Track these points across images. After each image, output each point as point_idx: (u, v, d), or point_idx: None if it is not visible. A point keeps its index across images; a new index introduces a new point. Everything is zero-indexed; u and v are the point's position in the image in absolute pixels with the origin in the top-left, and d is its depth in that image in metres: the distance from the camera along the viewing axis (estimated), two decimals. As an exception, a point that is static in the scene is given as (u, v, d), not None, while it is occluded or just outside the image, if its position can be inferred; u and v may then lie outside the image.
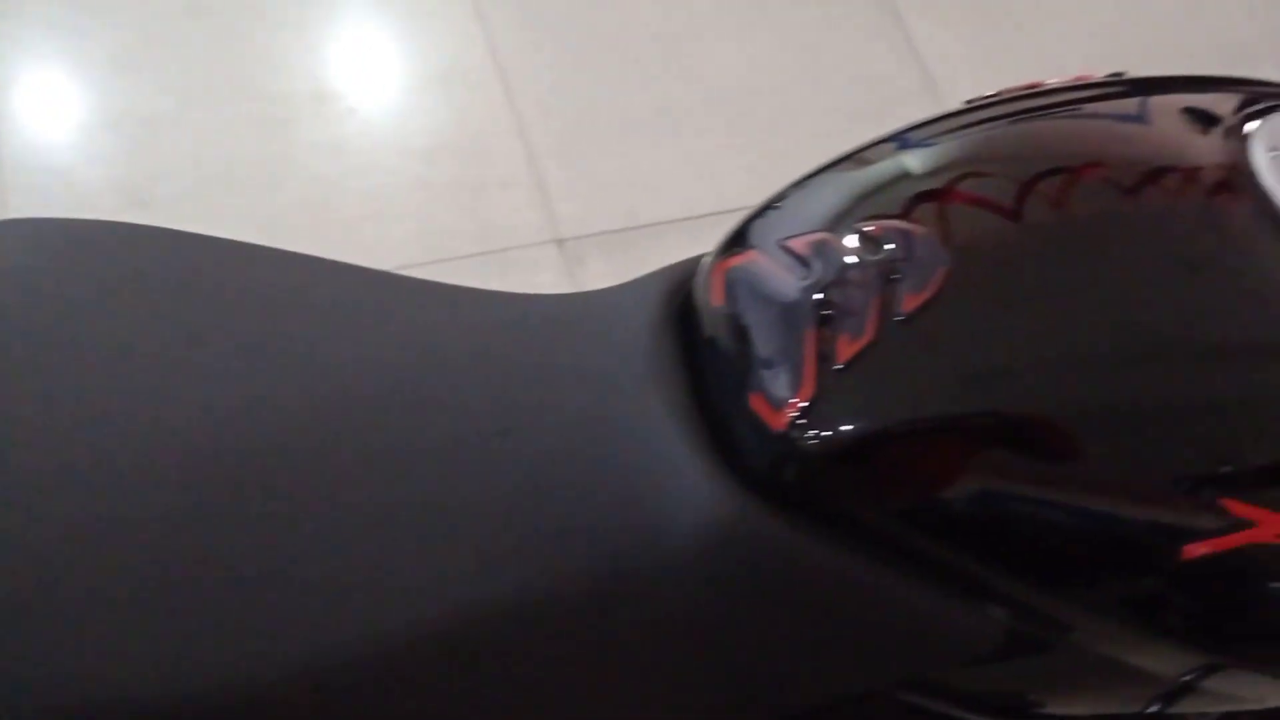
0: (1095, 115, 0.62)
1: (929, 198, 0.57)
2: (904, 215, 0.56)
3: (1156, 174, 0.57)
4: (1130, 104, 0.62)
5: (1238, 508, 0.51)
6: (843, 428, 0.53)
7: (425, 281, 0.64)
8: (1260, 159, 0.56)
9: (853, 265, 0.54)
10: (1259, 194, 0.55)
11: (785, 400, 0.53)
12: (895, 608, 0.54)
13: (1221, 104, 0.60)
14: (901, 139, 0.61)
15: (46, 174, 1.48)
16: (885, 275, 0.53)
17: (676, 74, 1.64)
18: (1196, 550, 0.51)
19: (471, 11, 1.64)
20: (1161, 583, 0.54)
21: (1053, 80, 0.65)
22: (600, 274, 1.46)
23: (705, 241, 1.69)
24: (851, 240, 0.55)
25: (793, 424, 0.53)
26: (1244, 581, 0.54)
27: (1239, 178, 0.56)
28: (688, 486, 0.53)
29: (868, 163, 0.61)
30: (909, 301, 0.53)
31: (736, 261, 0.58)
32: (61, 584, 0.50)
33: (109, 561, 0.51)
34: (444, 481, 0.55)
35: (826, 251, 0.55)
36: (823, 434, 0.52)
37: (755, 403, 0.54)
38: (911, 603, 0.54)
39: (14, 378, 0.55)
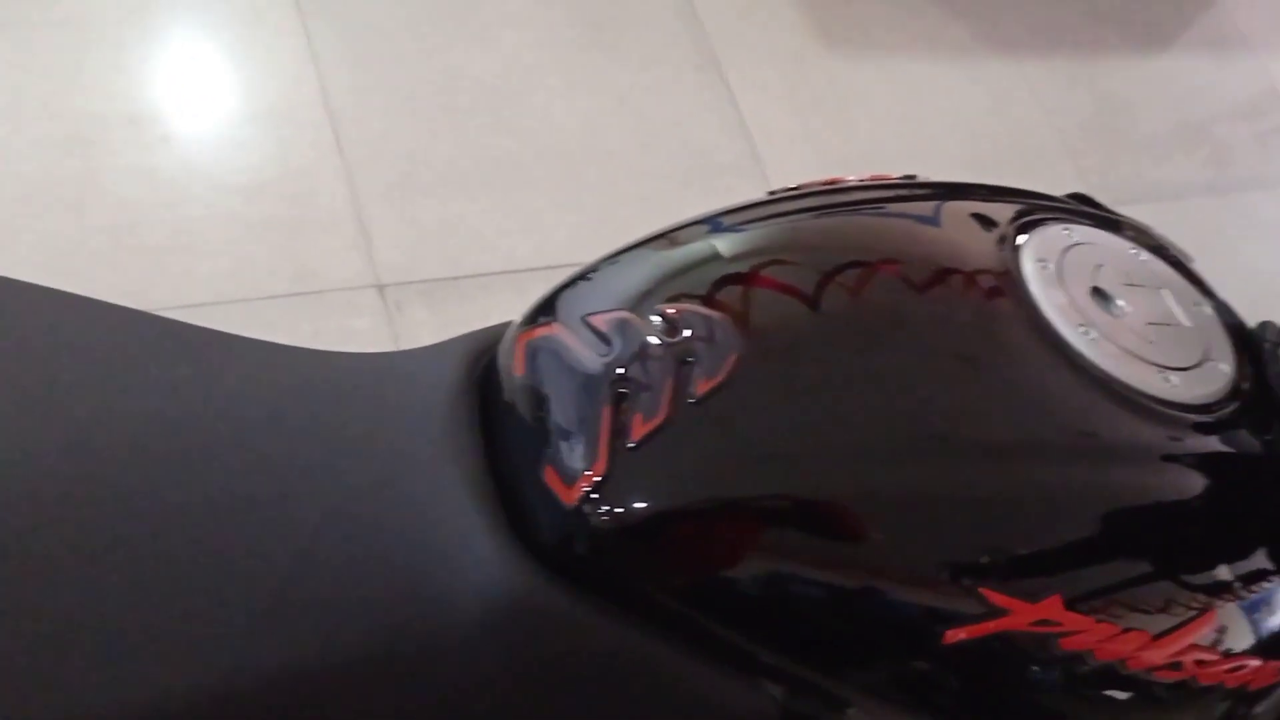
0: (895, 215, 0.65)
1: (733, 281, 0.58)
2: (708, 297, 0.57)
3: (943, 274, 0.60)
4: (927, 207, 0.66)
5: (995, 596, 0.53)
6: (632, 505, 0.53)
7: (222, 333, 0.61)
8: (1029, 268, 0.60)
9: (651, 345, 0.55)
10: (1026, 301, 0.59)
11: (578, 475, 0.53)
12: (678, 684, 0.55)
13: (1002, 213, 0.64)
14: (713, 222, 0.63)
15: None
16: (681, 358, 0.54)
17: (508, 128, 1.64)
18: (957, 635, 0.54)
19: (305, 51, 1.61)
20: (927, 665, 0.55)
21: (851, 177, 0.68)
22: (421, 321, 1.44)
23: (528, 294, 1.70)
24: (652, 321, 0.56)
25: (584, 499, 0.53)
26: (1000, 666, 0.56)
27: (1011, 284, 0.60)
28: (476, 558, 0.53)
29: (678, 243, 0.62)
30: (701, 385, 0.54)
31: (540, 333, 0.59)
32: None
33: None
34: (217, 542, 0.52)
35: (627, 330, 0.56)
36: (613, 510, 0.53)
37: (548, 476, 0.54)
38: (693, 680, 0.55)
39: None
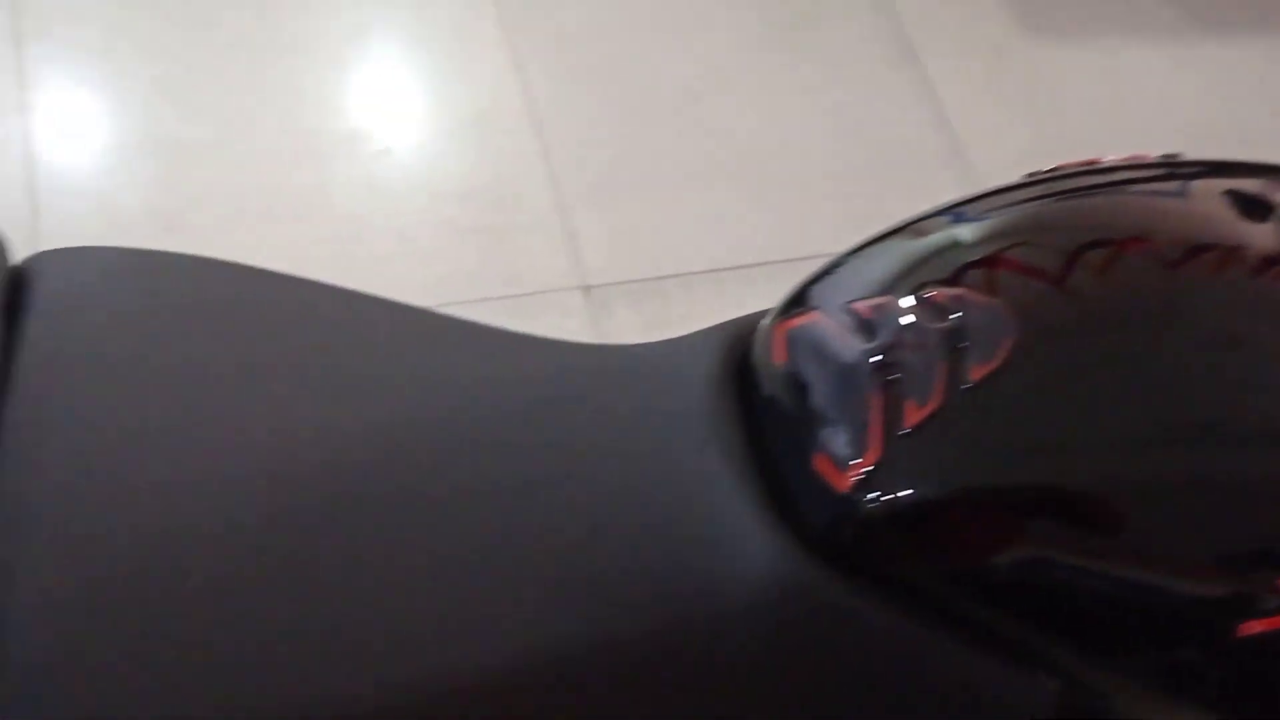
0: (1140, 192, 0.64)
1: (998, 265, 0.58)
2: (974, 282, 0.57)
3: (1207, 253, 0.58)
4: (1175, 184, 0.64)
5: None
6: (907, 491, 0.53)
7: (481, 325, 0.64)
8: None
9: (919, 330, 0.55)
10: None
11: (850, 462, 0.53)
12: (948, 672, 0.55)
13: (1267, 188, 0.62)
14: (956, 212, 0.63)
15: (81, 199, 1.49)
16: (952, 342, 0.54)
17: (706, 129, 1.66)
18: (1252, 628, 0.52)
19: (509, 61, 1.67)
20: (1215, 658, 0.54)
21: (1110, 157, 0.66)
22: (626, 322, 1.47)
23: (729, 293, 1.71)
24: (917, 306, 0.56)
25: (857, 485, 0.53)
26: None
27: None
28: (746, 542, 0.53)
29: (924, 233, 0.62)
30: (976, 370, 0.53)
31: (800, 322, 0.59)
32: (123, 608, 0.50)
33: (170, 588, 0.51)
34: (504, 524, 0.55)
35: (891, 315, 0.56)
36: (887, 497, 0.53)
37: (819, 463, 0.54)
38: (964, 667, 0.54)
39: (66, 403, 0.56)
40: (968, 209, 0.63)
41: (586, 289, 1.49)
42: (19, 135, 1.49)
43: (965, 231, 0.60)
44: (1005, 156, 1.72)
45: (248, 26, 1.65)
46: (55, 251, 0.64)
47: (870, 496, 0.53)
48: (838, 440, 0.54)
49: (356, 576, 0.52)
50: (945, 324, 0.54)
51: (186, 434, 0.55)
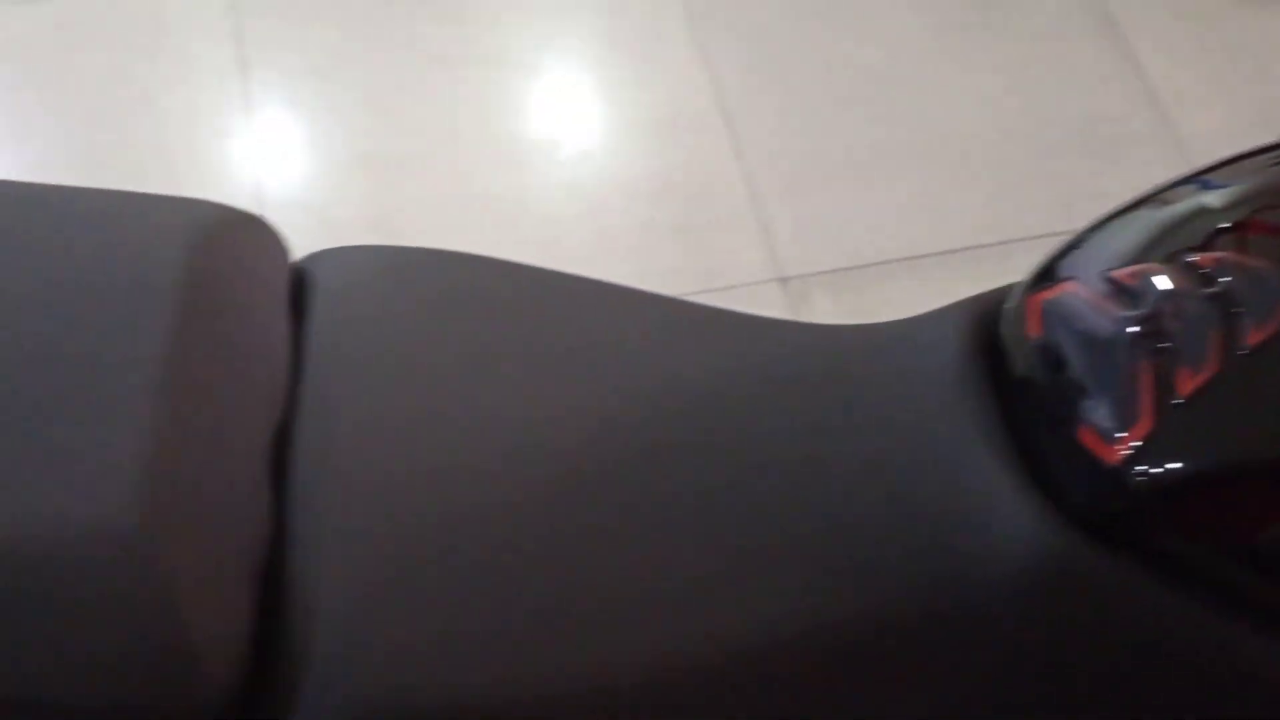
0: None
1: (1236, 230, 0.56)
2: (1241, 245, 0.55)
3: None
4: None
5: None
6: (1184, 462, 0.51)
7: (715, 308, 0.66)
8: None
9: (1185, 297, 0.53)
10: None
11: (1120, 434, 0.52)
12: (1223, 650, 0.53)
13: None
14: (1200, 180, 0.60)
15: (302, 210, 1.58)
16: (1224, 307, 0.52)
17: (899, 114, 1.64)
18: None
19: (698, 58, 1.68)
20: None
21: None
22: (826, 313, 1.46)
23: (929, 280, 1.67)
24: (1179, 272, 0.54)
25: (1130, 457, 0.52)
26: None
27: None
28: (1009, 519, 0.53)
29: (1171, 202, 0.60)
30: (1254, 334, 0.51)
31: (1053, 293, 0.58)
32: (403, 583, 0.53)
33: (446, 564, 0.54)
34: (762, 503, 0.56)
35: (1153, 283, 0.54)
36: (1162, 469, 0.51)
37: (1084, 436, 0.53)
38: (1240, 646, 0.52)
39: (352, 390, 0.59)
40: (1212, 176, 0.60)
41: (784, 280, 1.49)
42: (248, 154, 1.60)
43: (1214, 198, 0.58)
44: (1215, 127, 1.64)
45: (446, 43, 1.72)
46: (329, 250, 0.69)
47: (1142, 469, 0.51)
48: (1104, 412, 0.53)
49: (623, 549, 0.54)
50: (1213, 289, 0.53)
51: (462, 417, 0.59)
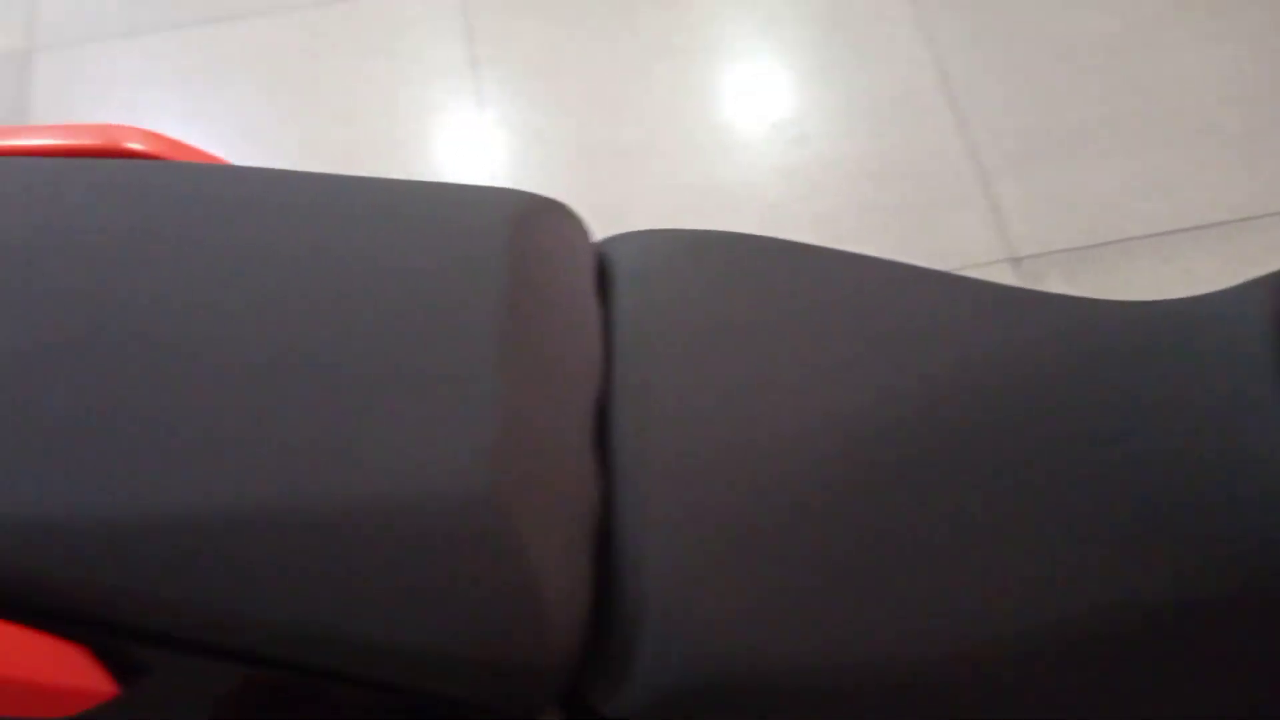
0: None
1: None
2: None
3: None
4: None
5: None
6: None
7: (1001, 285, 0.65)
8: None
9: None
10: None
11: None
12: None
13: None
14: None
15: (531, 203, 1.65)
16: None
17: (1134, 85, 1.58)
18: None
19: (920, 35, 1.66)
20: None
21: None
22: (1060, 292, 1.43)
23: (1179, 257, 1.60)
24: None
25: None
26: None
27: None
28: None
29: None
30: None
31: None
32: (728, 552, 0.55)
33: (768, 534, 0.56)
34: (1079, 480, 0.56)
35: None
36: None
37: None
38: None
39: (664, 368, 0.62)
40: None
41: (1016, 260, 1.46)
42: (480, 148, 1.67)
43: None
44: None
45: (668, 31, 1.75)
46: (626, 234, 0.72)
47: None
48: None
49: (939, 526, 0.55)
50: None
51: (769, 393, 0.61)
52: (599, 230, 1.54)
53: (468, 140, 1.67)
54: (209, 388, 0.55)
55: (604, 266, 0.70)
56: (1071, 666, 0.52)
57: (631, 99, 1.69)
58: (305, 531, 0.51)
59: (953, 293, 0.65)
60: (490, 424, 0.54)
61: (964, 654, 0.53)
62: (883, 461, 0.58)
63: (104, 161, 0.67)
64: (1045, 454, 0.57)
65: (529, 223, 0.63)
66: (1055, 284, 1.43)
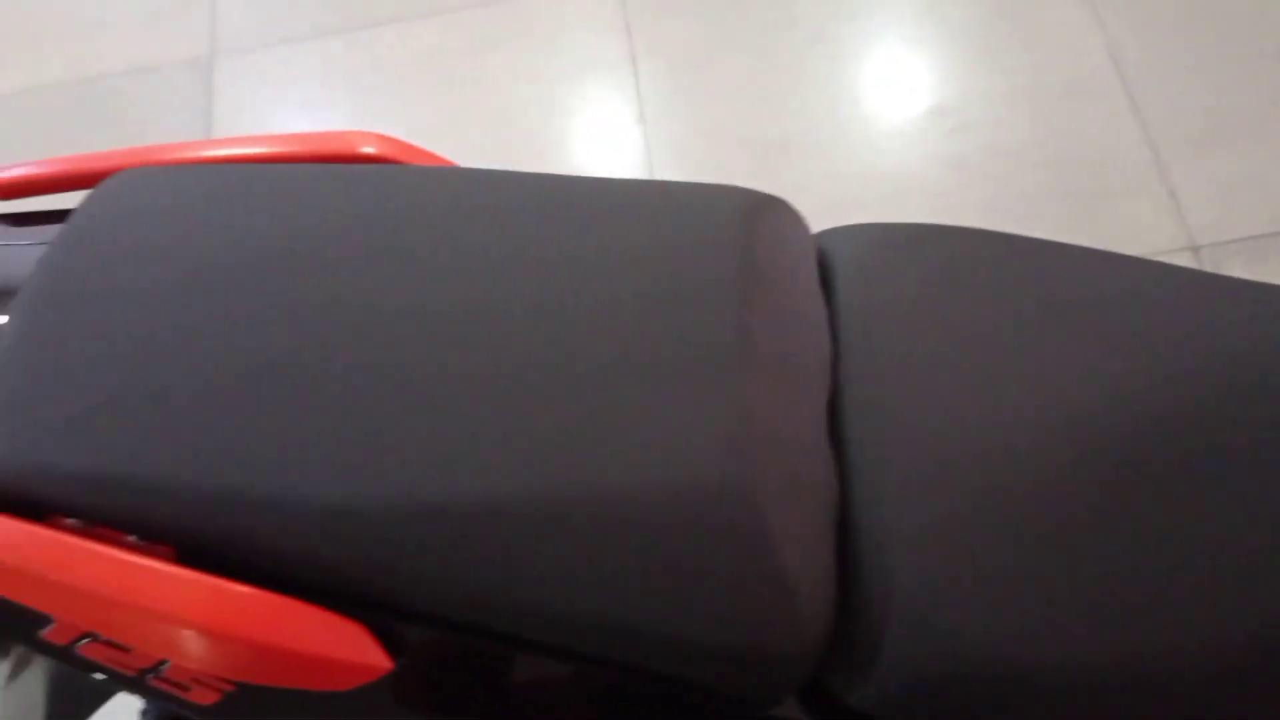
0: None
1: None
2: None
3: None
4: None
5: None
6: None
7: (1211, 274, 0.64)
8: None
9: None
10: None
11: None
12: None
13: None
14: None
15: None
16: None
17: (1324, 65, 1.51)
18: None
19: (1089, 16, 1.61)
20: None
21: None
22: (1242, 282, 1.38)
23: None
24: None
25: None
26: None
27: None
28: None
29: None
30: None
31: None
32: (968, 549, 0.56)
33: (1007, 529, 0.56)
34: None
35: None
36: None
37: None
38: None
39: (892, 361, 0.62)
40: None
41: (1195, 249, 1.41)
42: (641, 143, 1.69)
43: None
44: None
45: (825, 21, 1.73)
46: (841, 228, 0.72)
47: None
48: None
49: (1176, 531, 0.54)
50: None
51: (1000, 385, 0.61)
52: (760, 222, 1.54)
53: (628, 136, 1.69)
54: (470, 383, 0.57)
55: (822, 260, 0.71)
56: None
57: (789, 90, 1.68)
58: (563, 519, 0.54)
59: (1169, 282, 0.64)
60: (735, 417, 0.55)
61: (1214, 666, 0.52)
62: (1115, 459, 0.57)
63: (350, 167, 0.70)
64: (1257, 453, 0.55)
65: (755, 219, 0.64)
66: (1236, 271, 1.37)
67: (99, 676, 0.62)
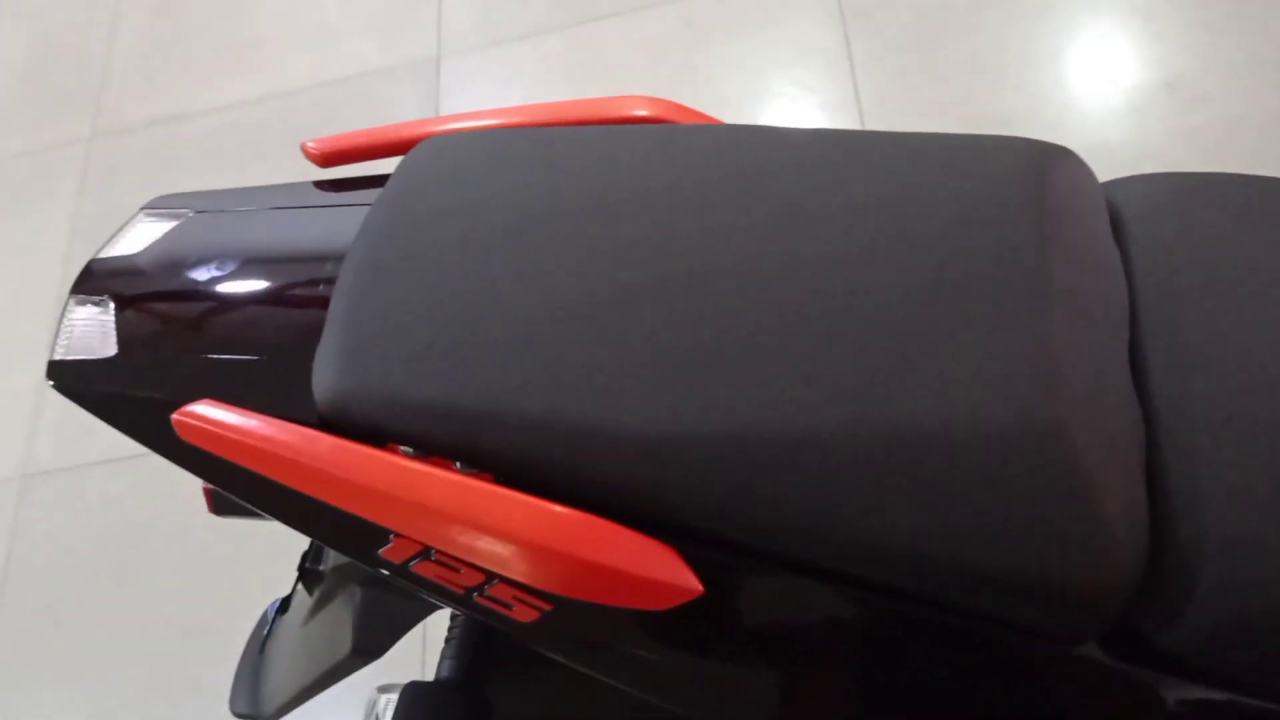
0: None
1: None
2: None
3: None
4: None
5: None
6: None
7: None
8: None
9: None
10: None
11: None
12: None
13: None
14: None
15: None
16: None
17: None
18: None
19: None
20: None
21: None
22: None
23: None
24: None
25: None
26: None
27: None
28: None
29: None
30: None
31: None
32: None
33: None
34: None
35: None
36: None
37: None
38: None
39: (1191, 306, 0.62)
40: None
41: None
42: (859, 125, 1.69)
43: None
44: None
45: (1045, -6, 1.70)
46: (1126, 179, 0.72)
47: None
48: None
49: None
50: None
51: None
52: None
53: (845, 117, 1.69)
54: (778, 321, 0.60)
55: (1111, 210, 0.70)
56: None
57: (1012, 64, 1.65)
58: (877, 453, 0.56)
59: None
60: (1043, 355, 0.57)
61: None
62: None
63: (635, 126, 0.74)
64: None
65: (1047, 166, 0.65)
66: None
67: (425, 597, 0.67)
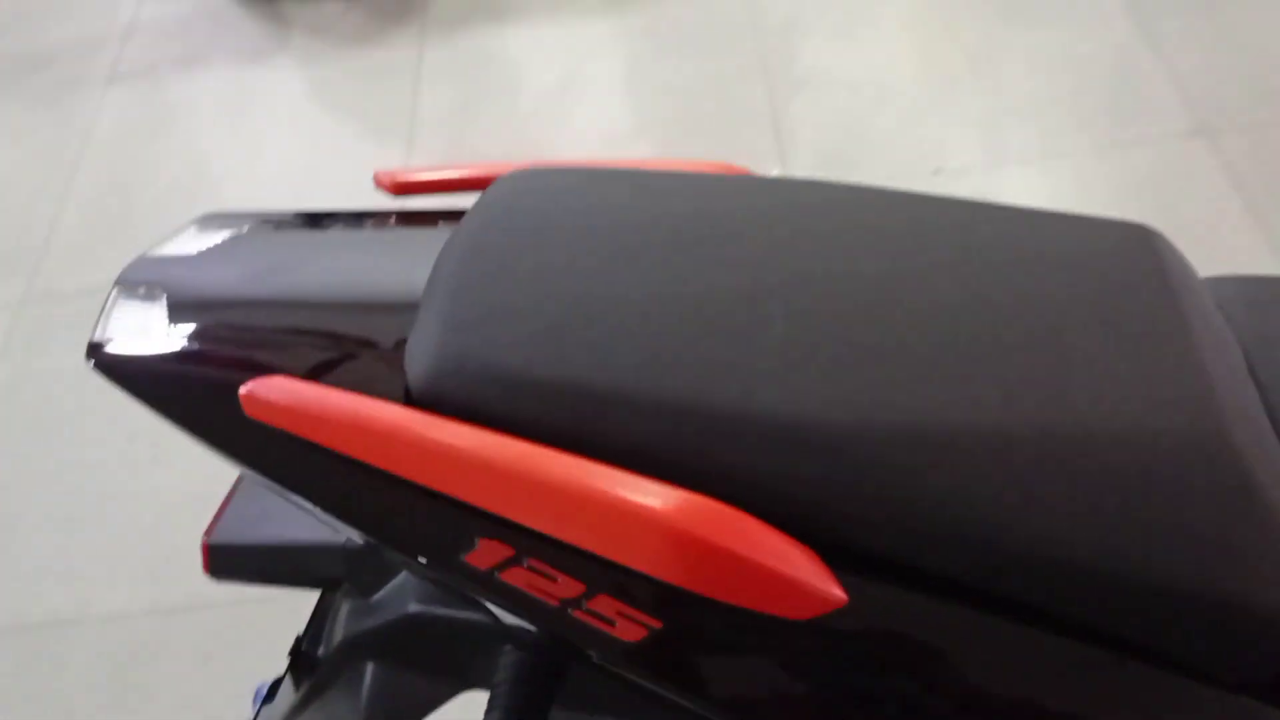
0: None
1: None
2: None
3: None
4: None
5: None
6: None
7: None
8: None
9: None
10: None
11: None
12: None
13: None
14: None
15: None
16: None
17: None
18: None
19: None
20: None
21: None
22: None
23: None
24: None
25: None
26: None
27: None
28: None
29: None
30: None
31: None
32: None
33: None
34: None
35: None
36: None
37: None
38: None
39: None
40: None
41: None
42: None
43: None
44: None
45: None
46: (1224, 278, 0.71)
47: None
48: None
49: None
50: None
51: None
52: None
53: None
54: (924, 331, 0.58)
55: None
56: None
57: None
58: (1033, 457, 0.53)
59: None
60: (1197, 371, 0.56)
61: None
62: None
63: (721, 175, 0.73)
64: None
65: (1155, 242, 0.65)
66: None
67: (507, 612, 0.60)
